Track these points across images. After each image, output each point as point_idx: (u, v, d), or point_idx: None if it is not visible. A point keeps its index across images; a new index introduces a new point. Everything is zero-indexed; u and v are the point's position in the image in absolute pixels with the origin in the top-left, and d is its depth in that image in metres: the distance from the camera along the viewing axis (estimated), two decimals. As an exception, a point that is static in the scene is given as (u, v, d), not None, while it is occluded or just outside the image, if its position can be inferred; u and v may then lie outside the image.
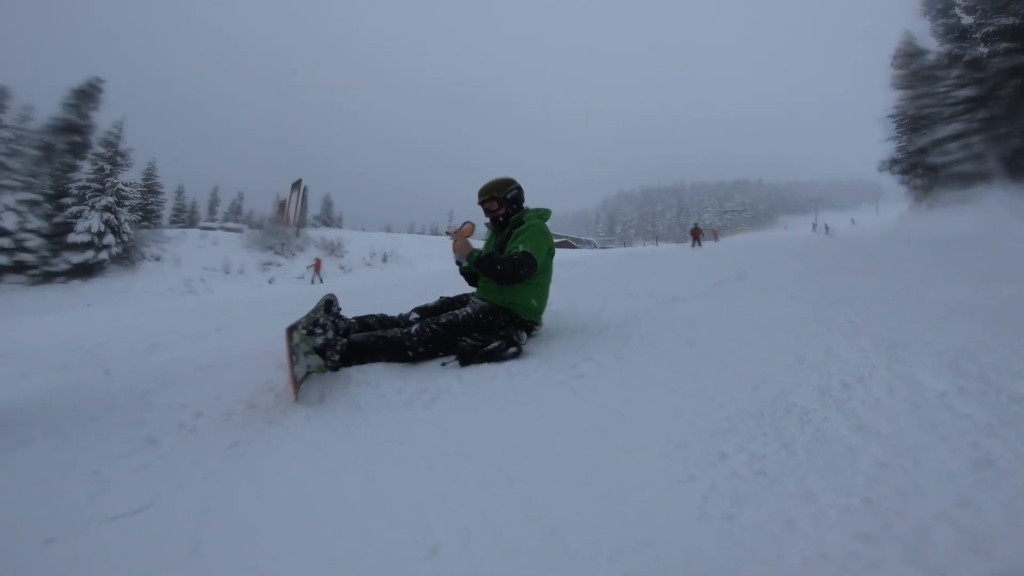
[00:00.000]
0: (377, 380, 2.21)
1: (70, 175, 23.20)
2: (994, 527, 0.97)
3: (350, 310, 2.80)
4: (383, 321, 2.74)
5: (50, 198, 22.36)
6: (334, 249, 30.23)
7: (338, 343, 2.26)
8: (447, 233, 3.07)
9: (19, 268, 20.69)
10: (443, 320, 2.53)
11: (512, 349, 2.48)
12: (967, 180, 14.67)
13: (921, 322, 2.41)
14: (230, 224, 37.43)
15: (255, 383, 2.33)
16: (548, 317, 3.02)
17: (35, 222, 21.45)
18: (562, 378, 2.14)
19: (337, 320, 2.40)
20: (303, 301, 6.34)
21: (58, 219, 22.29)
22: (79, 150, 23.77)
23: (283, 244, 28.89)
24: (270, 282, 24.03)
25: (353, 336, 2.38)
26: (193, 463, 1.63)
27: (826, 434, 1.44)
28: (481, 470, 1.43)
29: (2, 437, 1.87)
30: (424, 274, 12.77)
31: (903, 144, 17.03)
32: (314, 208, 48.74)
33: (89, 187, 23.17)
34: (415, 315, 2.79)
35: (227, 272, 24.83)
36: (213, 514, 1.34)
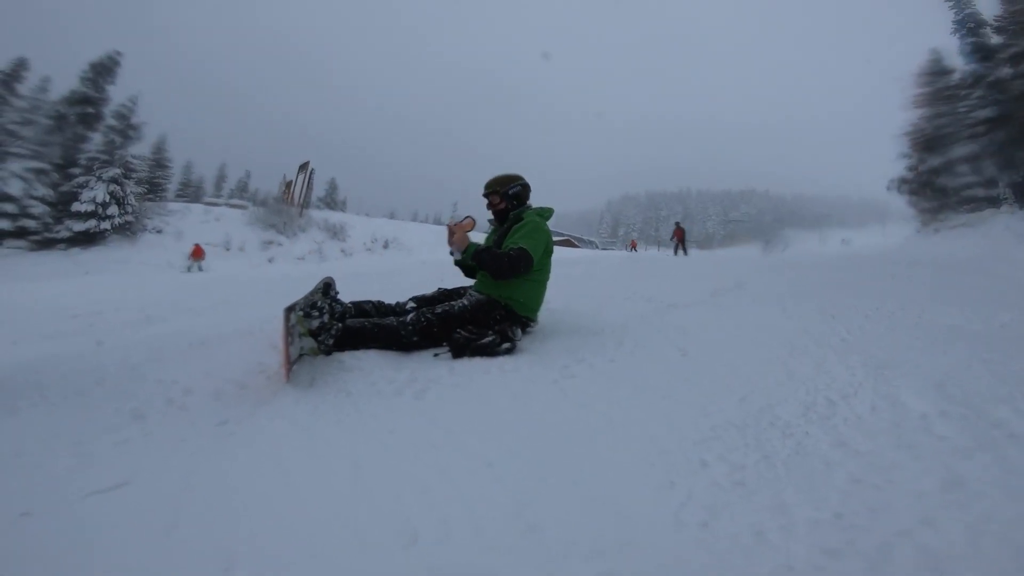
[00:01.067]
0: (370, 367, 2.22)
1: (80, 145, 23.15)
2: (954, 547, 1.00)
3: (348, 295, 2.81)
4: (380, 308, 2.76)
5: (58, 167, 22.30)
6: (336, 232, 30.16)
7: (333, 327, 2.27)
8: (447, 224, 3.08)
9: (20, 233, 20.65)
10: (439, 311, 2.54)
11: (506, 345, 2.50)
12: (976, 204, 14.62)
13: (912, 344, 2.43)
14: (235, 201, 37.37)
15: (247, 362, 2.34)
16: (544, 315, 3.03)
17: (41, 190, 21.39)
18: (554, 377, 2.16)
19: (334, 304, 2.41)
20: (301, 281, 6.34)
21: (64, 188, 22.23)
22: (91, 121, 23.69)
23: (286, 223, 28.82)
24: (270, 261, 23.99)
25: (349, 321, 2.39)
26: (180, 440, 1.63)
27: (806, 448, 1.46)
28: (467, 463, 1.44)
29: None
30: (424, 263, 12.77)
31: (914, 164, 16.89)
32: (319, 190, 48.61)
33: (98, 158, 23.10)
34: (412, 304, 2.80)
35: (227, 249, 24.78)
36: (195, 492, 1.34)
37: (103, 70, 24.01)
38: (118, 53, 24.41)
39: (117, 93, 24.69)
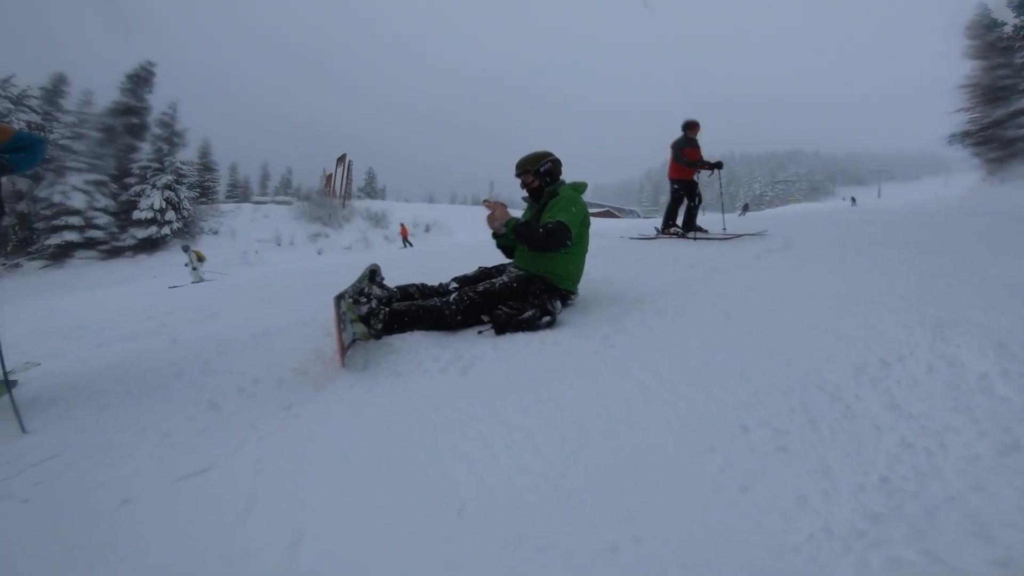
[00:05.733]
0: (416, 347, 2.31)
1: (131, 155, 24.56)
2: (1004, 513, 0.97)
3: (393, 279, 2.90)
4: (423, 290, 2.85)
5: (115, 178, 23.78)
6: (379, 220, 30.87)
7: (381, 312, 2.38)
8: (485, 202, 3.14)
9: (90, 244, 22.24)
10: (480, 289, 2.61)
11: (546, 318, 2.54)
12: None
13: (975, 301, 2.30)
14: (281, 198, 38.80)
15: (305, 351, 2.49)
16: (584, 286, 3.05)
17: (102, 201, 22.90)
18: (594, 347, 2.19)
19: (380, 289, 2.53)
20: (351, 270, 6.60)
21: (123, 197, 23.71)
22: (138, 131, 25.07)
23: (330, 216, 29.73)
24: (319, 252, 24.89)
25: (395, 305, 2.50)
26: (251, 426, 1.78)
27: (855, 412, 1.43)
28: (509, 435, 1.51)
29: (84, 404, 2.09)
30: (464, 243, 12.92)
31: (976, 116, 15.83)
32: (358, 181, 49.72)
33: (150, 167, 24.47)
34: (454, 284, 2.89)
35: (278, 244, 25.86)
36: (267, 473, 1.47)
37: (140, 80, 25.24)
38: (150, 63, 25.54)
39: (157, 101, 25.99)
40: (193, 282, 12.47)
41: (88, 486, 1.51)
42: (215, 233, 25.62)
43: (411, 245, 23.11)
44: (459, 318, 2.57)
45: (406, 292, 2.80)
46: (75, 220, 21.84)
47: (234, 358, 2.48)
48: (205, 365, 2.41)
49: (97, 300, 7.17)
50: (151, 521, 1.32)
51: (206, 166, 35.94)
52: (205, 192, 32.88)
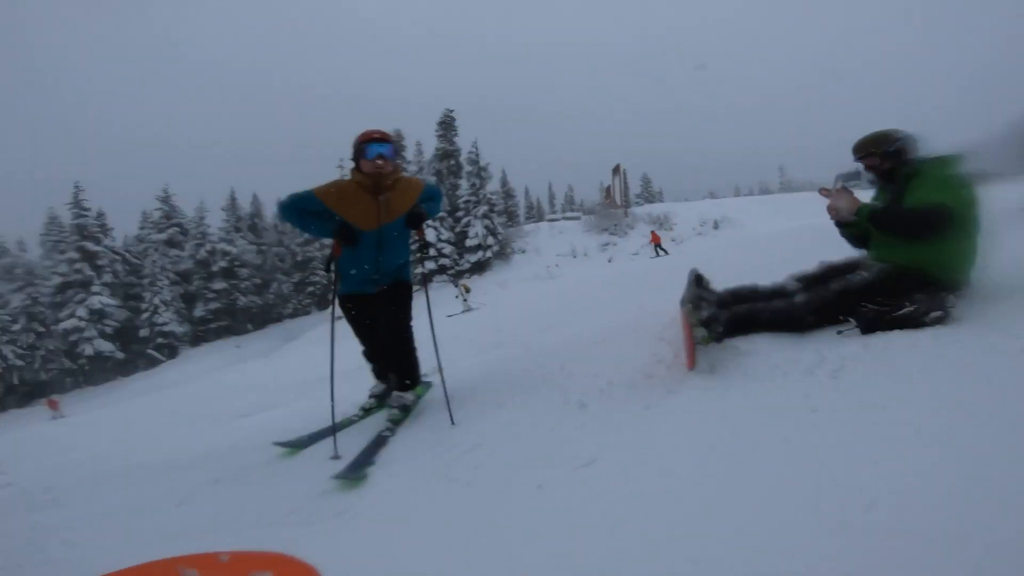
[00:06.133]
0: (767, 350, 2.18)
1: (456, 192, 30.65)
2: None
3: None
4: (757, 292, 2.68)
5: (449, 213, 30.09)
6: (662, 223, 30.72)
7: (721, 315, 2.33)
8: (822, 191, 2.74)
9: (441, 270, 28.60)
10: (834, 287, 2.30)
11: (935, 314, 2.06)
12: None
13: None
14: (570, 214, 42.48)
15: (643, 355, 2.62)
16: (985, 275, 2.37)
17: (446, 233, 29.24)
18: (1021, 346, 1.68)
19: (712, 293, 2.48)
20: (643, 275, 6.77)
21: (457, 229, 29.77)
22: (456, 171, 31.21)
23: (615, 225, 31.05)
24: (609, 261, 26.23)
25: (735, 308, 2.42)
26: (619, 423, 1.96)
27: None
28: (906, 434, 1.36)
29: (486, 401, 2.65)
30: (764, 235, 11.66)
31: None
32: (635, 188, 50.52)
33: (470, 200, 30.08)
34: (795, 283, 2.63)
35: (574, 256, 28.35)
36: (649, 467, 1.59)
37: (446, 126, 31.16)
38: (451, 110, 31.30)
39: (462, 142, 31.55)
40: (463, 311, 14.40)
41: (509, 471, 1.89)
42: (523, 252, 29.76)
43: (666, 252, 21.47)
44: (811, 319, 2.31)
45: (738, 295, 2.67)
46: (431, 251, 28.47)
47: (583, 363, 2.78)
48: (561, 369, 2.78)
49: (452, 319, 9.11)
50: (561, 504, 1.55)
51: (507, 193, 42.20)
52: (510, 216, 38.64)
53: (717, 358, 2.24)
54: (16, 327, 29.92)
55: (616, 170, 35.60)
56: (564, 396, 2.39)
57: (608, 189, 37.45)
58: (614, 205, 34.25)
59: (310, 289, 37.80)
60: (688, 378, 2.15)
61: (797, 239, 6.50)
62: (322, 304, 35.19)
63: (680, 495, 1.40)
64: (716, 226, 29.12)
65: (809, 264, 2.66)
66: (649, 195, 54.16)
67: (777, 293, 2.62)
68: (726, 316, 2.37)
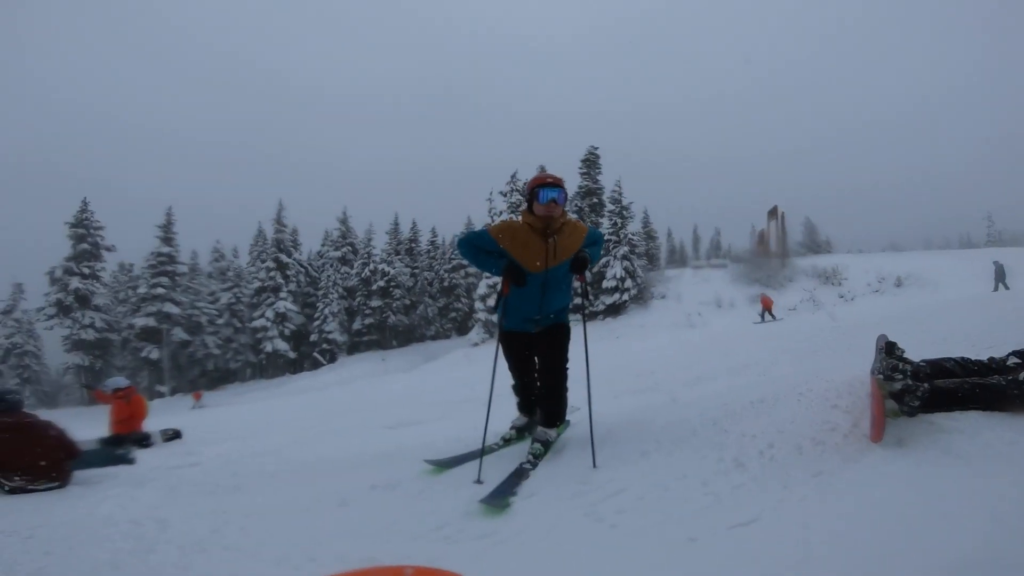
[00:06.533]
0: (975, 428, 1.88)
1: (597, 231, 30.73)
2: None
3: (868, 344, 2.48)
4: (965, 365, 2.30)
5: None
6: (829, 277, 27.48)
7: (919, 389, 2.04)
8: None
9: (574, 310, 28.65)
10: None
11: None
12: None
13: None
14: (716, 261, 40.08)
15: (812, 421, 2.36)
16: None
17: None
18: None
19: (908, 363, 2.18)
20: (799, 337, 6.06)
21: (595, 268, 29.75)
22: (598, 209, 31.19)
23: (769, 276, 28.50)
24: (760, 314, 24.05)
25: (937, 382, 2.10)
26: (783, 487, 1.81)
27: None
28: None
29: (628, 447, 2.58)
30: (963, 299, 9.76)
31: None
32: (795, 234, 45.93)
33: (610, 239, 29.89)
34: (1015, 360, 2.21)
35: (719, 306, 26.53)
36: (815, 532, 1.47)
37: (591, 164, 31.23)
38: (595, 147, 31.31)
39: (606, 180, 31.32)
40: None
41: (657, 519, 1.83)
42: (663, 298, 28.64)
43: (776, 318, 18.84)
44: None
45: (940, 367, 2.31)
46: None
47: (739, 421, 2.58)
48: (714, 425, 2.60)
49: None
50: (719, 560, 1.49)
51: (648, 234, 41.12)
52: (651, 259, 37.57)
53: (908, 431, 1.98)
54: (220, 321, 36.33)
55: (773, 213, 32.94)
56: (718, 453, 2.24)
57: (762, 234, 34.71)
58: (768, 253, 31.59)
59: (452, 315, 40.39)
60: (870, 449, 1.93)
61: (1008, 306, 5.39)
62: (462, 330, 37.32)
63: (854, 560, 1.30)
64: (899, 283, 25.23)
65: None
66: (814, 244, 48.71)
67: (994, 369, 2.23)
68: (924, 390, 2.06)
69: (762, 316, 19.95)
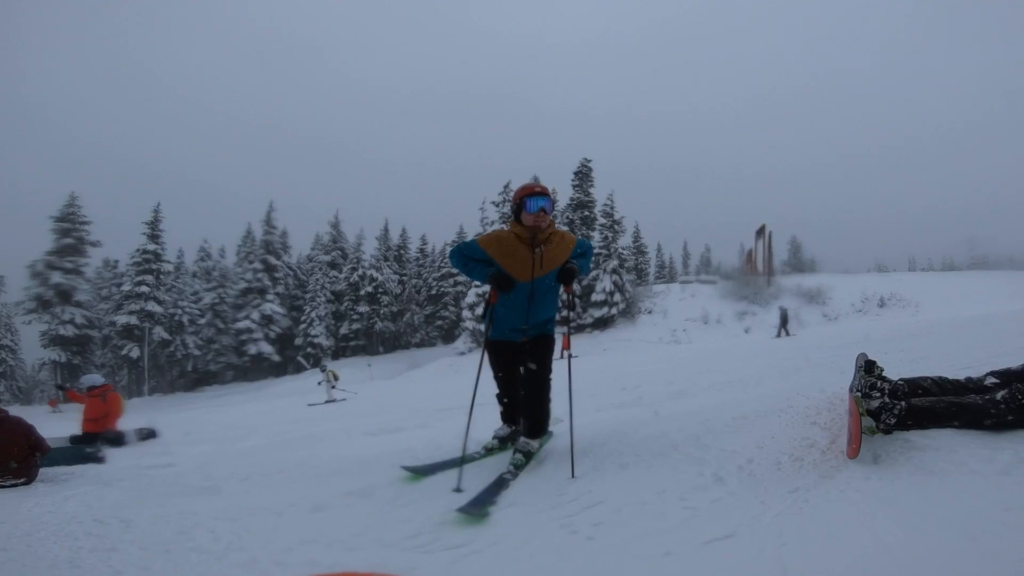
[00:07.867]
0: (949, 446, 1.92)
1: (588, 244, 30.91)
2: None
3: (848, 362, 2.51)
4: (942, 385, 2.33)
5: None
6: (814, 296, 27.82)
7: (896, 407, 2.07)
8: None
9: (561, 322, 28.69)
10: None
11: None
12: None
13: None
14: (705, 277, 40.39)
15: (791, 438, 2.38)
16: None
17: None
18: None
19: (887, 382, 2.20)
20: (786, 353, 6.11)
21: (584, 281, 29.80)
22: (589, 222, 31.31)
23: (755, 293, 28.80)
24: (746, 331, 24.26)
25: (914, 400, 2.13)
26: (761, 502, 1.81)
27: None
28: None
29: (607, 460, 2.56)
30: (941, 320, 9.95)
31: None
32: (781, 253, 46.51)
33: (600, 253, 30.03)
34: (992, 379, 2.25)
35: (705, 322, 26.71)
36: (790, 548, 1.48)
37: (583, 176, 31.40)
38: (587, 160, 31.62)
39: (598, 193, 31.41)
40: (326, 401, 12.93)
41: (633, 533, 1.81)
42: (650, 313, 28.78)
43: (789, 334, 18.12)
44: (1010, 418, 1.97)
45: (918, 386, 2.34)
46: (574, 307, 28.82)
47: (720, 437, 2.59)
48: (695, 440, 2.60)
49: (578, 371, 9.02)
50: (696, 574, 1.49)
51: (638, 249, 41.36)
52: (640, 274, 37.78)
53: (884, 448, 2.02)
54: (202, 321, 35.82)
55: (760, 232, 33.29)
56: (698, 468, 2.24)
57: (750, 253, 35.06)
58: (755, 271, 31.92)
59: (439, 323, 40.21)
60: (846, 466, 1.96)
61: (986, 329, 5.48)
62: (448, 338, 37.13)
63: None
64: (882, 303, 25.62)
65: (1005, 360, 2.34)
66: (798, 263, 49.16)
67: (971, 388, 2.26)
68: (901, 408, 2.09)
69: (778, 331, 19.51)
